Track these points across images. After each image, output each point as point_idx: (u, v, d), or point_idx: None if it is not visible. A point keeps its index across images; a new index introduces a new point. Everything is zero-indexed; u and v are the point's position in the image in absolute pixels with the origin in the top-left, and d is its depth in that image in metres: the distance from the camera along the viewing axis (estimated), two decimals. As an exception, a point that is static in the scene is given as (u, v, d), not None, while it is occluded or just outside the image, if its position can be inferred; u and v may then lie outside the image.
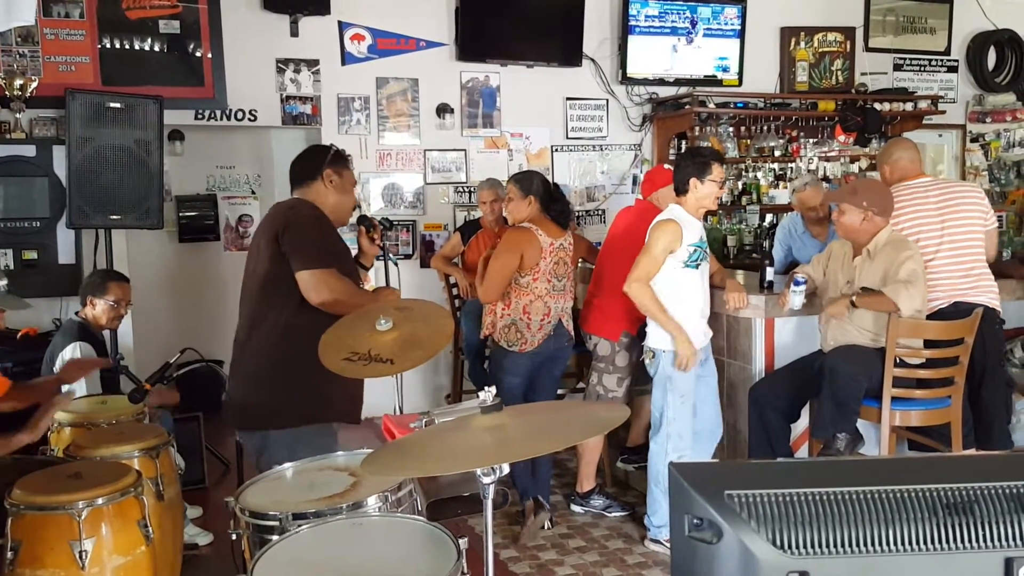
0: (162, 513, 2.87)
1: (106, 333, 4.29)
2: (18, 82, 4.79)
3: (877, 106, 6.56)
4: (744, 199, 6.65)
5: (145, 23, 5.27)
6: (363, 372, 2.07)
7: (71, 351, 3.83)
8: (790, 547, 1.02)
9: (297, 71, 5.68)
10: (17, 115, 4.85)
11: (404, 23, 5.89)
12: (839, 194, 3.72)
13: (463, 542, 1.63)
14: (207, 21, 5.40)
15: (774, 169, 6.73)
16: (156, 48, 5.31)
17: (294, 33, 5.64)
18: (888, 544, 1.01)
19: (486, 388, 1.58)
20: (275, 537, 1.80)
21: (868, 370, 3.44)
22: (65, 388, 3.30)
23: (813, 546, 1.02)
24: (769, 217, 6.70)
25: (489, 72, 6.10)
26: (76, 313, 4.10)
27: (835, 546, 1.00)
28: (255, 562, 1.67)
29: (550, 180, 4.21)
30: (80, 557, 2.36)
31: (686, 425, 3.71)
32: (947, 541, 1.02)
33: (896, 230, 3.67)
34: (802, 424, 3.91)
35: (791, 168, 6.73)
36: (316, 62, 5.71)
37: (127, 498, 2.51)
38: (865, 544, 1.00)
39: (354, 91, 5.81)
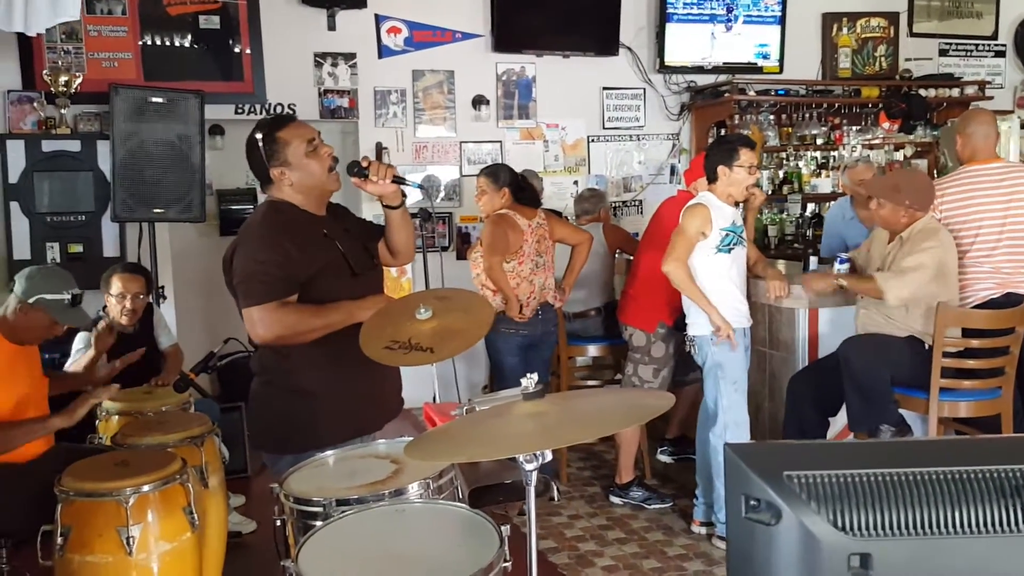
0: (207, 500, 2.91)
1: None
2: (63, 78, 4.87)
3: (922, 92, 6.42)
4: (785, 188, 6.55)
5: (185, 19, 5.34)
6: (403, 360, 2.07)
7: (76, 341, 3.88)
8: (852, 529, 0.99)
9: (334, 65, 5.71)
10: (62, 111, 4.93)
11: (440, 15, 5.89)
12: (881, 188, 3.63)
13: (505, 529, 1.63)
14: (246, 16, 5.46)
15: (816, 157, 6.62)
16: (196, 44, 5.37)
17: (331, 27, 5.67)
18: (954, 526, 0.97)
19: (528, 375, 1.58)
20: (319, 523, 1.81)
21: (887, 358, 3.37)
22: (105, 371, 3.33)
23: (876, 528, 0.99)
24: (811, 207, 6.60)
25: (525, 63, 6.08)
26: (103, 308, 4.06)
27: (899, 528, 0.98)
28: (300, 547, 1.68)
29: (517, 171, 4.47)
30: (127, 543, 2.40)
31: (742, 413, 3.69)
32: (1016, 524, 0.98)
33: (958, 215, 3.62)
34: (843, 418, 3.84)
35: (834, 156, 6.62)
36: (353, 55, 5.74)
37: (172, 485, 2.54)
38: (930, 526, 0.97)
39: (390, 84, 5.83)
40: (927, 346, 3.39)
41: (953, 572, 0.99)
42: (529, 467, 1.48)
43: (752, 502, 0.99)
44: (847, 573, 0.96)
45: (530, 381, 1.55)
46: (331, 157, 2.40)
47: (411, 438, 1.85)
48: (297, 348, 2.33)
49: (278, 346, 2.34)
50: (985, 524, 1.01)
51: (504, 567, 1.62)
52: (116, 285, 3.94)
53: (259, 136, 2.37)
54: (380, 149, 5.81)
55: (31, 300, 2.93)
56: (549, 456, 1.48)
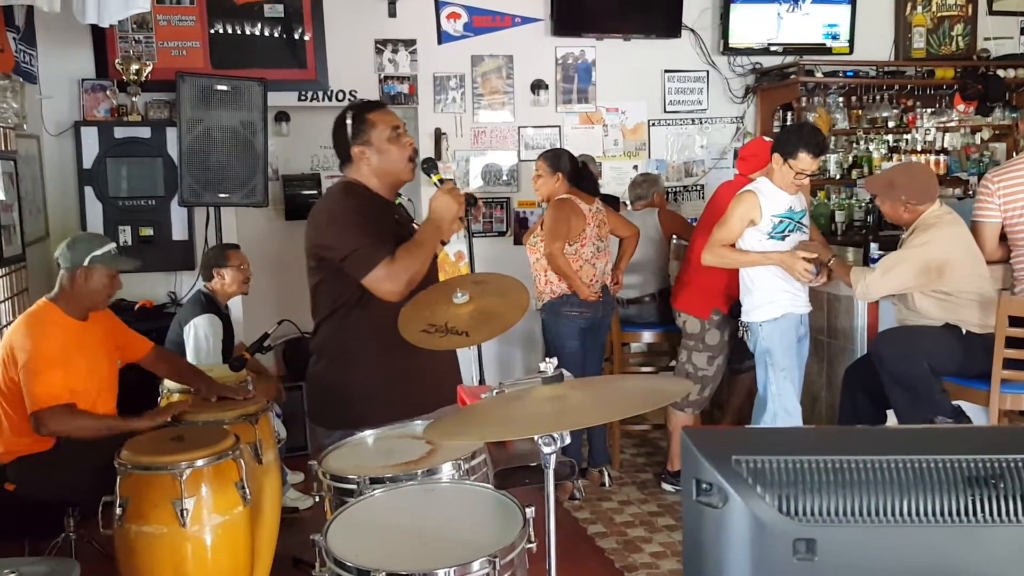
0: (260, 476, 3.00)
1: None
2: (134, 67, 5.03)
3: (1001, 73, 6.14)
4: (854, 173, 6.35)
5: (251, 7, 5.46)
6: (439, 343, 2.11)
7: (204, 323, 4.03)
8: (797, 514, 0.99)
9: (395, 51, 5.77)
10: (133, 98, 5.10)
11: (499, 0, 5.89)
12: (877, 185, 3.55)
13: (530, 511, 1.65)
14: (309, 4, 5.55)
15: (887, 141, 6.40)
16: (262, 32, 5.49)
17: (392, 14, 5.72)
18: (902, 514, 0.96)
19: (547, 359, 1.59)
20: (352, 499, 1.87)
21: (920, 347, 3.27)
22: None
23: (821, 513, 0.99)
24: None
25: (584, 46, 6.04)
26: (204, 286, 4.27)
27: (844, 514, 0.97)
28: (330, 523, 1.73)
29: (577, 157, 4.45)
30: (181, 515, 2.50)
31: (792, 400, 3.64)
32: (966, 514, 0.96)
33: (1016, 203, 3.50)
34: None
35: (906, 140, 6.39)
36: (413, 42, 5.79)
37: (225, 460, 2.63)
38: (877, 513, 0.96)
39: (450, 70, 5.86)
40: (964, 331, 3.28)
41: (898, 559, 0.98)
42: (547, 450, 1.49)
43: (704, 486, 0.99)
44: (792, 557, 0.96)
45: (549, 365, 1.56)
46: (412, 147, 2.53)
47: (444, 419, 1.88)
48: (354, 329, 2.43)
49: (335, 327, 2.46)
50: (936, 513, 1.00)
51: (528, 548, 1.64)
52: (236, 257, 4.27)
53: (349, 114, 2.52)
54: (439, 135, 5.85)
55: (86, 262, 3.05)
56: (568, 439, 1.49)
